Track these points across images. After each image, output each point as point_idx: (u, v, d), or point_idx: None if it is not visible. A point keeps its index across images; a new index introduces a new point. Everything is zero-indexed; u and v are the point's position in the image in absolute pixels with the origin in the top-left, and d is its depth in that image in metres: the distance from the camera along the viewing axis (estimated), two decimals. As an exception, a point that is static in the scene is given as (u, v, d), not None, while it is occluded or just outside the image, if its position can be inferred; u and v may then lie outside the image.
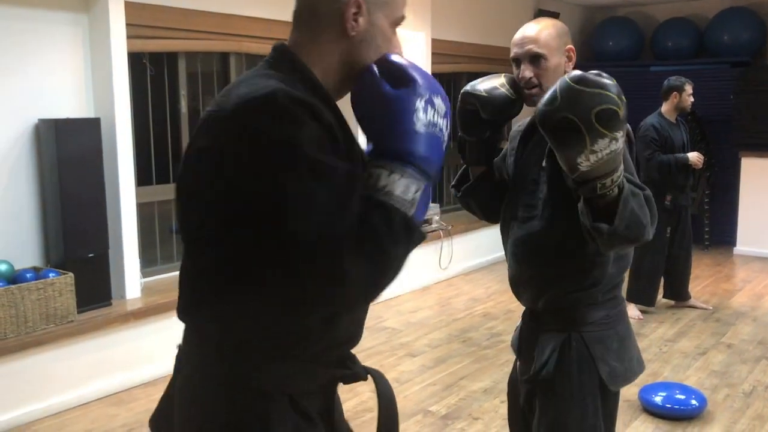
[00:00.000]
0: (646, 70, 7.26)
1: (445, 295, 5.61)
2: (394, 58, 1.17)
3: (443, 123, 1.15)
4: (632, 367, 1.90)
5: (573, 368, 1.82)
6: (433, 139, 1.13)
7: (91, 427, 3.30)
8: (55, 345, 3.43)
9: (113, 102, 3.74)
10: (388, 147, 1.11)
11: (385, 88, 1.13)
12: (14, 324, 3.29)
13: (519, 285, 1.96)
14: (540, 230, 1.82)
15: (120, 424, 3.34)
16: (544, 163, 1.83)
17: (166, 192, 4.40)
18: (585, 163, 1.53)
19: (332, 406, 1.30)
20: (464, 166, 2.06)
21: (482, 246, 6.34)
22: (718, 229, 7.10)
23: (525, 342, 1.97)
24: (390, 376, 3.89)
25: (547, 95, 1.58)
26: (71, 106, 3.73)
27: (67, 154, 3.54)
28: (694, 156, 4.77)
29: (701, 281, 5.88)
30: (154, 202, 4.39)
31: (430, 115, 1.12)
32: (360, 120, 1.17)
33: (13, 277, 3.39)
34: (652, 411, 3.40)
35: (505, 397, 2.19)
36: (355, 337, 1.30)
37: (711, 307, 5.13)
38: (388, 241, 1.06)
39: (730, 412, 3.44)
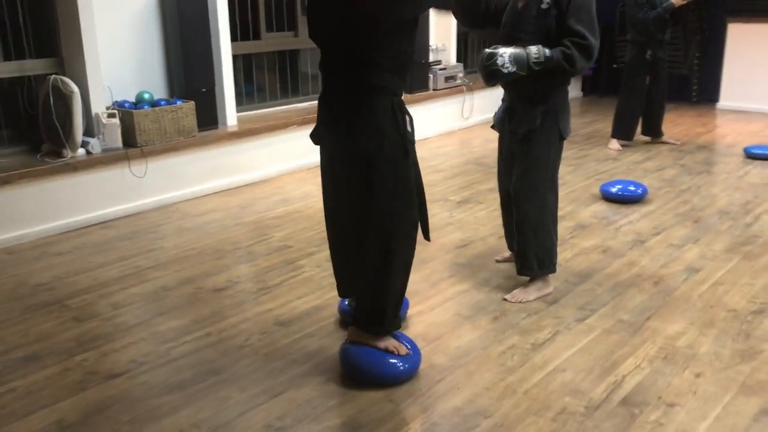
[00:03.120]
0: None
1: (466, 137, 6.93)
2: None
3: None
4: (569, 127, 3.25)
5: (548, 125, 3.17)
6: None
7: (215, 206, 4.80)
8: (184, 152, 4.88)
9: (214, -26, 5.01)
10: None
11: None
12: (158, 135, 4.72)
13: (515, 84, 3.21)
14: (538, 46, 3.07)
15: (233, 205, 4.82)
16: (535, 14, 3.07)
17: (248, 47, 5.71)
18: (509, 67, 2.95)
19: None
20: None
21: (499, 101, 7.55)
22: (706, 87, 8.21)
23: (516, 114, 3.27)
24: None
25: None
26: (183, -23, 4.99)
27: (184, 13, 4.84)
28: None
29: (681, 127, 7.09)
30: (239, 54, 5.70)
31: None
32: None
33: (153, 102, 4.79)
34: (608, 198, 4.76)
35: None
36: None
37: (679, 143, 6.37)
38: None
39: (665, 199, 4.79)
